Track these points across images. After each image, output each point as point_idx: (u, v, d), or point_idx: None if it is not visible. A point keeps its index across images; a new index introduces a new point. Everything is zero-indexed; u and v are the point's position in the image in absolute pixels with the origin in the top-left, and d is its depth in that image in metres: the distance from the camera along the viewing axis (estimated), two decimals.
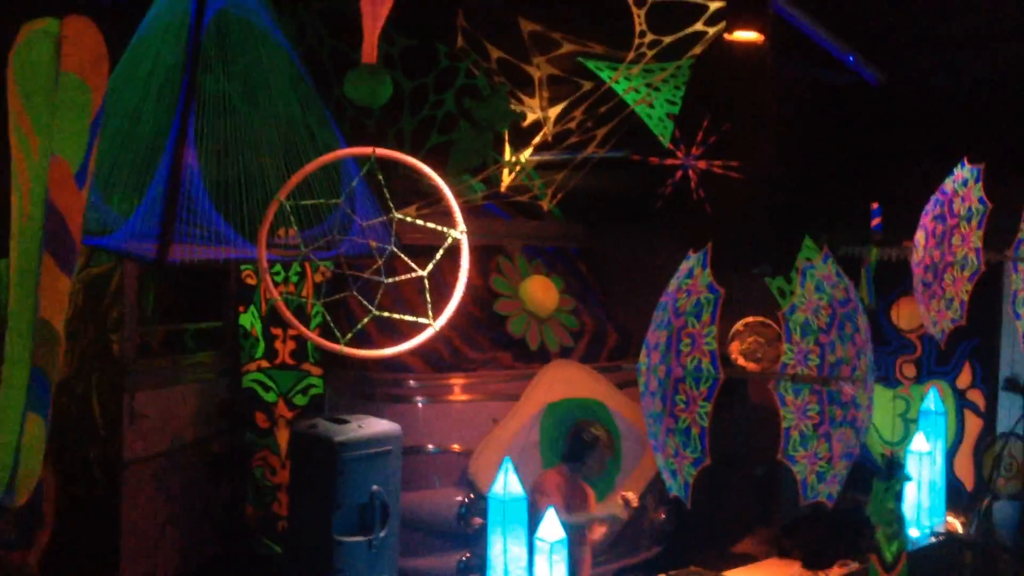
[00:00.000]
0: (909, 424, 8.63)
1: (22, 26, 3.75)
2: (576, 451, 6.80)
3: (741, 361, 8.51)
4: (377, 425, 6.79)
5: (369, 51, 5.55)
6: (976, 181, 6.76)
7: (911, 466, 7.71)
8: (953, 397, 8.64)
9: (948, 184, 6.76)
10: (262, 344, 7.74)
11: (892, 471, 6.49)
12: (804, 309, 6.02)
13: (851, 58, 8.13)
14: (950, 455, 8.56)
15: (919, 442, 7.88)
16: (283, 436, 7.73)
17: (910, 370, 8.81)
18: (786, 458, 6.00)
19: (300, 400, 7.84)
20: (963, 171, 6.75)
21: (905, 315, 8.66)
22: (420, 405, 7.75)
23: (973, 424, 8.68)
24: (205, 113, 5.59)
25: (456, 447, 7.69)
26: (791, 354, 6.02)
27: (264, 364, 7.77)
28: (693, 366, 6.05)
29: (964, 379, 8.70)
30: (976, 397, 8.67)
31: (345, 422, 6.74)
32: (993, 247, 7.05)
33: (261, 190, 5.62)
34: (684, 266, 6.15)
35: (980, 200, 6.76)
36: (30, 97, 3.74)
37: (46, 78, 3.73)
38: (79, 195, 3.87)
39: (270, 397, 7.76)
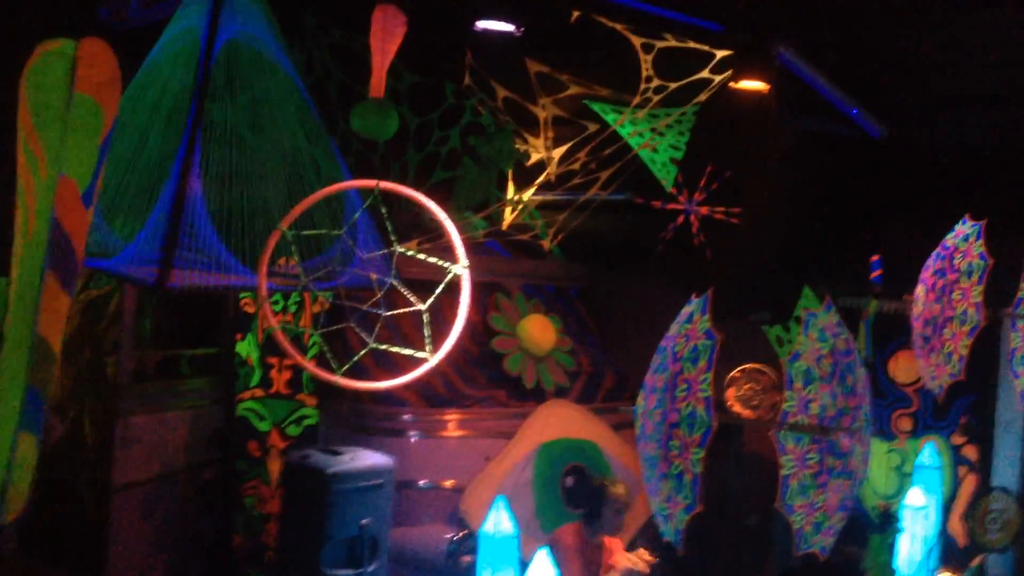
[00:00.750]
0: (904, 478, 8.58)
1: (36, 46, 3.78)
2: (595, 508, 6.67)
3: (737, 408, 8.48)
4: (370, 458, 6.77)
5: (377, 85, 5.59)
6: (977, 237, 6.79)
7: (905, 520, 7.67)
8: (949, 452, 8.60)
9: (949, 239, 6.80)
10: (258, 372, 7.72)
11: (887, 524, 6.47)
12: (807, 357, 6.03)
13: (855, 111, 8.19)
14: (945, 510, 8.51)
15: (914, 496, 7.83)
16: (275, 466, 7.69)
17: (906, 424, 8.77)
18: (784, 507, 5.98)
19: (294, 430, 7.81)
20: (964, 227, 6.80)
21: (902, 368, 8.63)
22: (414, 440, 7.73)
23: (968, 480, 8.63)
24: (211, 141, 5.62)
25: (448, 483, 7.65)
26: (792, 402, 6.02)
27: (259, 393, 7.75)
28: (688, 412, 6.05)
29: (960, 435, 8.66)
30: (971, 452, 8.63)
31: (338, 454, 6.72)
32: (992, 305, 7.05)
33: (264, 219, 5.64)
34: (685, 311, 6.17)
35: (981, 256, 6.80)
36: (42, 116, 3.77)
37: (59, 98, 3.76)
38: (85, 215, 3.89)
39: (263, 426, 7.74)
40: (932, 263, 6.78)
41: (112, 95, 3.84)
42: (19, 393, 3.82)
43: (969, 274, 6.82)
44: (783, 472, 5.98)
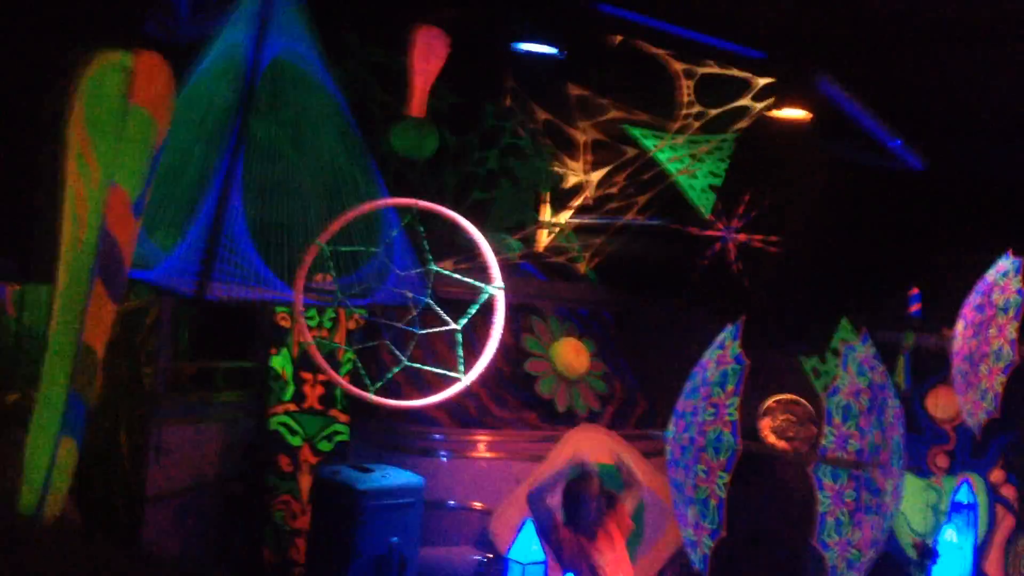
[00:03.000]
0: (939, 515, 8.45)
1: (89, 57, 3.84)
2: (572, 512, 6.61)
3: (772, 439, 8.40)
4: (400, 476, 6.77)
5: (417, 105, 5.64)
6: (1016, 273, 6.70)
7: (941, 558, 7.56)
8: (985, 491, 8.46)
9: (990, 274, 6.72)
10: (291, 387, 7.76)
11: (923, 561, 6.38)
12: (846, 392, 5.97)
13: (897, 142, 8.13)
14: (980, 550, 8.37)
15: (949, 535, 7.72)
16: (305, 481, 7.71)
17: (943, 461, 8.64)
18: (819, 543, 5.91)
19: (325, 446, 7.83)
20: (1006, 262, 6.71)
21: (941, 404, 8.51)
22: (444, 459, 7.72)
23: (1005, 520, 8.48)
24: (253, 156, 5.69)
25: (478, 505, 7.63)
26: (831, 437, 5.96)
27: (292, 407, 7.78)
28: (715, 436, 6.02)
29: (998, 473, 8.52)
30: (1009, 492, 8.48)
31: (369, 471, 6.73)
32: None
33: (302, 234, 5.69)
34: (719, 338, 6.15)
35: (1019, 292, 6.70)
36: (96, 126, 3.82)
37: (115, 109, 3.82)
38: (134, 225, 3.95)
39: (295, 441, 7.77)
40: (972, 298, 6.70)
41: (165, 108, 3.90)
42: (62, 398, 3.86)
43: (1006, 310, 6.72)
44: (820, 508, 5.92)
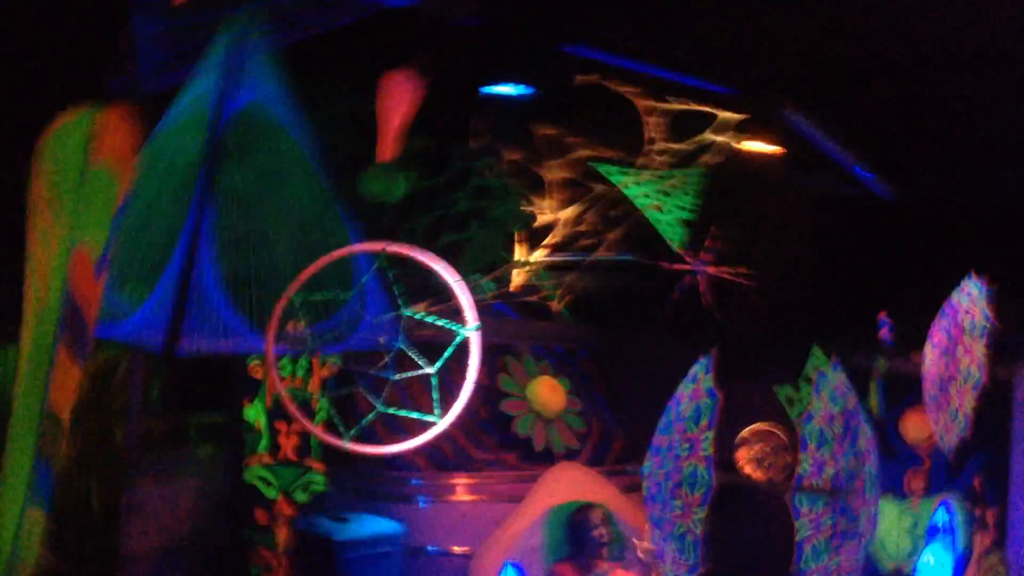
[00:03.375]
0: (917, 539, 8.48)
1: (53, 116, 3.80)
2: (577, 541, 6.65)
3: (748, 469, 8.41)
4: (378, 525, 6.71)
5: (385, 150, 5.64)
6: (981, 294, 6.78)
7: None
8: (963, 512, 8.50)
9: (955, 297, 6.79)
10: (266, 438, 7.67)
11: None
12: (820, 419, 6.00)
13: (863, 172, 8.23)
14: (958, 571, 8.40)
15: (927, 557, 7.74)
16: (282, 534, 7.60)
17: (919, 484, 8.69)
18: (798, 572, 5.91)
19: (301, 496, 7.73)
20: (970, 285, 6.79)
21: (914, 428, 8.56)
22: (423, 505, 7.66)
23: (983, 541, 8.52)
24: (221, 207, 5.65)
25: (458, 549, 7.57)
26: (807, 464, 5.97)
27: (267, 459, 7.69)
28: (690, 471, 6.02)
29: (974, 495, 8.57)
30: (986, 513, 8.52)
31: (346, 520, 6.65)
32: (1003, 361, 7.01)
33: (273, 284, 5.65)
34: (692, 371, 6.16)
35: (985, 315, 6.78)
36: (59, 186, 3.78)
37: (76, 168, 3.78)
38: (97, 285, 3.89)
39: (271, 493, 7.67)
40: (940, 321, 6.76)
41: (129, 164, 3.86)
42: (27, 466, 3.79)
43: (972, 332, 6.80)
44: (798, 536, 5.92)
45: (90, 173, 3.78)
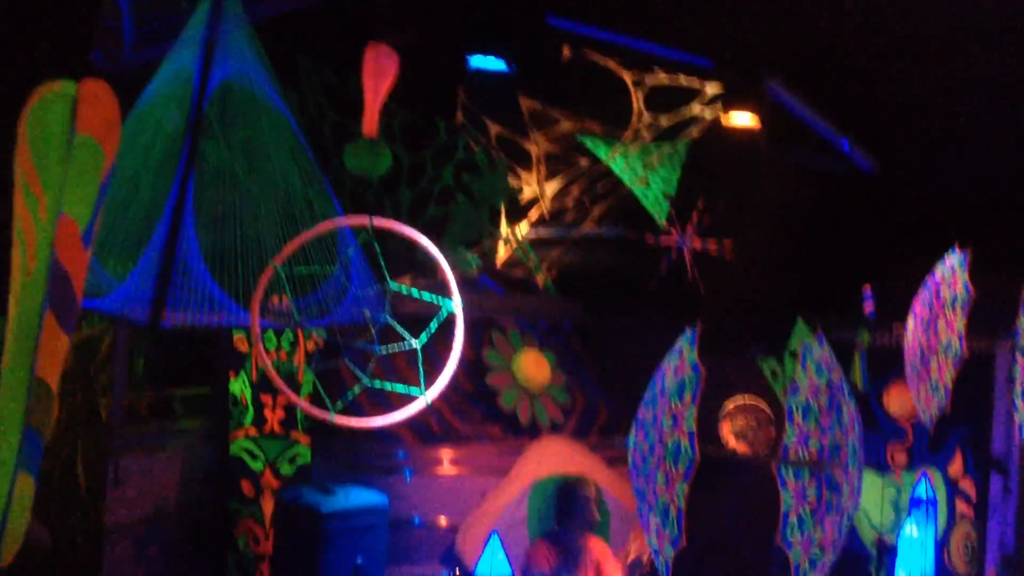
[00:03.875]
0: (900, 511, 8.55)
1: (32, 88, 3.79)
2: (566, 510, 6.74)
3: (732, 443, 8.46)
4: (364, 496, 6.72)
5: (369, 124, 5.62)
6: (963, 267, 6.80)
7: (902, 554, 7.64)
8: (944, 485, 8.57)
9: (938, 270, 6.81)
10: (251, 411, 7.70)
11: (884, 557, 6.44)
12: (806, 391, 6.01)
13: (845, 145, 8.24)
14: (941, 544, 8.48)
15: (909, 529, 7.81)
16: (268, 506, 7.64)
17: (901, 457, 8.75)
18: (783, 543, 5.95)
19: (287, 469, 7.77)
20: (952, 257, 6.81)
21: (897, 401, 8.62)
22: (408, 478, 7.69)
23: (964, 513, 8.60)
24: (204, 181, 5.64)
25: (443, 521, 7.60)
26: (792, 436, 6.00)
27: (252, 432, 7.72)
28: (673, 445, 6.04)
29: (956, 467, 8.64)
30: (967, 486, 8.60)
31: (331, 492, 6.68)
32: (984, 335, 7.05)
33: (257, 257, 5.64)
34: (677, 345, 6.18)
35: (964, 286, 6.80)
36: (42, 157, 3.76)
37: (60, 139, 3.76)
38: (85, 254, 3.88)
39: (257, 466, 7.70)
40: (922, 294, 6.79)
41: (112, 135, 3.84)
42: (17, 434, 3.79)
43: (953, 304, 6.82)
44: (783, 507, 5.95)
45: (75, 144, 3.76)
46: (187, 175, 5.49)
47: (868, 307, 7.91)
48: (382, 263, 5.44)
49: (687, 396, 6.07)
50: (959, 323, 6.77)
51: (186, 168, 5.48)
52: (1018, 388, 7.04)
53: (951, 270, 6.82)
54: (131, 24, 5.60)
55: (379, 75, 5.57)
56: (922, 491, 8.12)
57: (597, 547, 6.93)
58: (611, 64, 6.90)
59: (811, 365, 6.05)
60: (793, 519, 5.97)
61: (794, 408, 6.04)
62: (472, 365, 8.00)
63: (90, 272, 5.39)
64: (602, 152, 7.40)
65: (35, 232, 3.79)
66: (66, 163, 3.78)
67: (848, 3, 6.58)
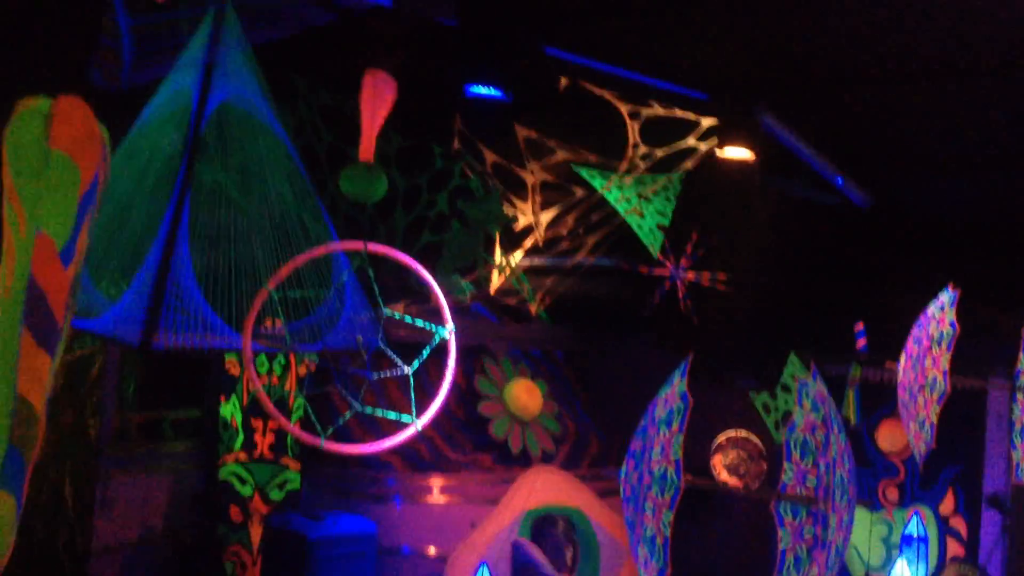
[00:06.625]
0: (891, 549, 8.52)
1: (14, 103, 3.79)
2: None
3: (724, 476, 8.44)
4: (353, 524, 6.69)
5: (366, 149, 5.64)
6: (952, 305, 6.83)
7: None
8: (936, 523, 8.55)
9: (931, 308, 6.83)
10: (241, 435, 7.66)
11: None
12: (803, 428, 6.00)
13: (839, 179, 8.28)
14: None
15: (901, 568, 7.78)
16: (256, 531, 7.59)
17: (893, 494, 8.73)
18: None
19: (276, 495, 7.72)
20: (944, 295, 6.84)
21: (889, 437, 8.61)
22: (397, 505, 7.65)
23: (955, 551, 8.56)
24: (200, 202, 5.64)
25: (432, 550, 7.56)
26: (790, 473, 5.98)
27: (242, 456, 7.68)
28: (660, 474, 6.03)
29: (947, 505, 8.62)
30: (959, 524, 8.57)
31: (320, 519, 6.64)
32: (975, 372, 7.06)
33: (251, 280, 5.63)
34: (671, 376, 6.19)
35: (951, 324, 6.82)
36: (20, 174, 3.76)
37: (35, 155, 3.75)
38: (64, 273, 3.85)
39: (246, 491, 7.65)
40: (914, 331, 6.80)
41: (89, 152, 3.82)
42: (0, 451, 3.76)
43: (940, 342, 6.84)
44: (780, 545, 5.92)
45: (50, 160, 3.76)
46: (183, 196, 5.49)
47: (860, 343, 7.91)
48: (376, 288, 5.44)
49: (675, 425, 6.07)
50: (944, 360, 6.79)
51: (182, 189, 5.49)
52: (1018, 427, 7.03)
53: (940, 308, 6.84)
54: (131, 44, 5.62)
55: (377, 101, 5.59)
56: (913, 529, 8.08)
57: None
58: (607, 95, 6.93)
59: (807, 401, 6.05)
60: (790, 558, 5.95)
61: (792, 445, 6.03)
62: (464, 393, 7.99)
63: (82, 292, 5.39)
64: (597, 182, 7.42)
65: (15, 249, 3.78)
66: (42, 180, 3.78)
67: (843, 40, 6.64)
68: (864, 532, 8.52)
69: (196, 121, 5.60)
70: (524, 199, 8.03)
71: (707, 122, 7.08)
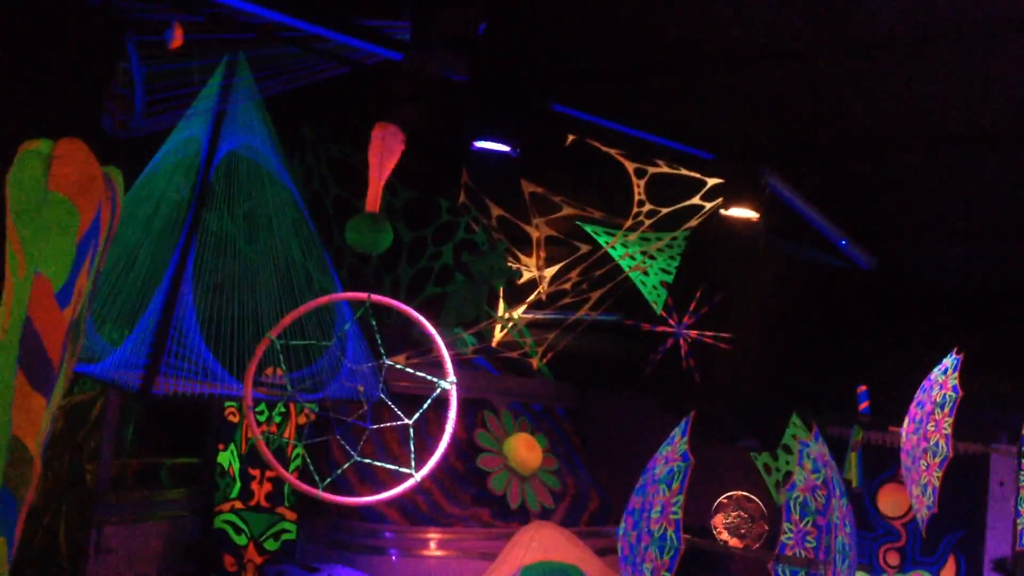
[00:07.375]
0: None
1: (17, 146, 3.82)
2: None
3: (724, 536, 8.38)
4: None
5: (372, 200, 5.67)
6: (955, 369, 6.82)
7: None
8: None
9: (934, 372, 6.82)
10: (238, 484, 7.62)
11: None
12: (803, 489, 5.97)
13: (843, 242, 8.31)
14: None
15: None
16: None
17: (894, 558, 8.65)
18: None
19: (271, 545, 7.66)
20: (948, 360, 6.83)
21: (891, 501, 8.56)
22: (394, 558, 7.58)
23: None
24: (205, 249, 5.66)
25: None
26: (790, 534, 5.93)
27: (238, 505, 7.62)
28: (659, 534, 5.97)
29: (948, 571, 8.54)
30: None
31: (316, 571, 6.58)
32: (977, 437, 7.03)
33: (254, 328, 5.64)
34: (672, 434, 6.15)
35: (953, 388, 6.82)
36: (19, 214, 3.77)
37: (34, 197, 3.77)
38: (60, 314, 3.84)
39: (241, 540, 7.59)
40: (917, 395, 6.79)
41: (90, 194, 3.83)
42: None
43: (942, 406, 6.83)
44: None
45: (47, 201, 3.77)
46: (188, 243, 5.52)
47: (863, 406, 7.89)
48: (378, 339, 5.44)
49: (675, 485, 6.03)
50: (947, 424, 6.78)
51: (188, 236, 5.52)
52: (1022, 494, 7.00)
53: (943, 372, 6.83)
54: (143, 92, 5.68)
55: (385, 153, 5.64)
56: None
57: None
58: (614, 153, 6.98)
59: (808, 462, 6.02)
60: None
61: (792, 505, 5.99)
62: (463, 446, 7.95)
63: (86, 337, 5.38)
64: (602, 238, 7.44)
65: (13, 290, 3.79)
66: (40, 221, 3.79)
67: (850, 104, 6.71)
68: None
69: (205, 169, 5.64)
70: (528, 254, 8.04)
71: (713, 181, 7.11)
